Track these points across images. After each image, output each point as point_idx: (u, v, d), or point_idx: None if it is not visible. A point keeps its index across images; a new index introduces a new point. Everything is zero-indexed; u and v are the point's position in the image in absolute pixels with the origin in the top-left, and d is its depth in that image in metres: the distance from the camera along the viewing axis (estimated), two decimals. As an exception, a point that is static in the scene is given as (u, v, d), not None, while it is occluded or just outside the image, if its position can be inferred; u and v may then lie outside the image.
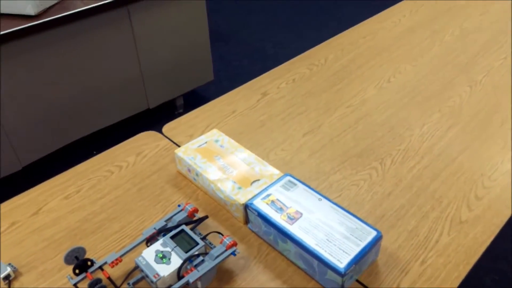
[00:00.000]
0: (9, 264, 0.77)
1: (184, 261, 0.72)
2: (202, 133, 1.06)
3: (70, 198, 0.91)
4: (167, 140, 1.04)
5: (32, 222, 0.86)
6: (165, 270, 0.71)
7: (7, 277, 0.75)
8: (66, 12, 1.66)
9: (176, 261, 0.72)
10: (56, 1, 1.72)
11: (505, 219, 0.84)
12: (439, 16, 1.53)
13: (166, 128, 1.08)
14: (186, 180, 0.94)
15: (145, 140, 1.04)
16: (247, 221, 0.84)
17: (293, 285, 0.74)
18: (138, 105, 2.08)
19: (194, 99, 2.41)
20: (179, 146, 1.02)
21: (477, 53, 1.32)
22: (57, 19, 1.64)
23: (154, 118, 2.31)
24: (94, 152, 2.12)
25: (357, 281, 0.74)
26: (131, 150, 1.02)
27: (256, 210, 0.78)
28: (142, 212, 0.87)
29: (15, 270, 0.77)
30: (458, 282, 0.74)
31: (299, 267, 0.76)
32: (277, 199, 0.80)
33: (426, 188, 0.90)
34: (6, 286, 0.75)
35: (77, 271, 0.72)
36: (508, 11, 1.53)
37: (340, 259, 0.69)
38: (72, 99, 1.84)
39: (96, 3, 1.72)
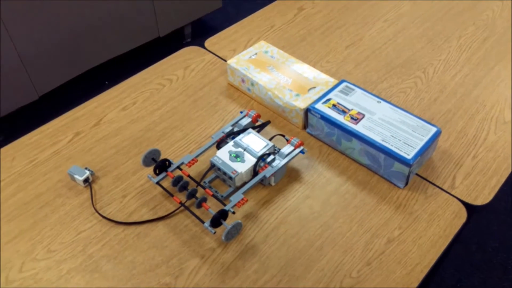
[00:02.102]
0: (86, 168, 0.80)
1: (259, 159, 0.76)
2: (245, 47, 1.07)
3: (127, 109, 0.93)
4: (211, 54, 1.05)
5: (96, 132, 0.88)
6: (242, 167, 0.76)
7: (86, 180, 0.78)
8: None
9: (249, 159, 0.77)
10: None
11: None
12: None
13: (208, 43, 1.08)
14: (238, 92, 0.96)
15: (189, 55, 1.05)
16: (305, 126, 0.88)
17: (358, 179, 0.80)
18: (149, 33, 2.04)
19: (202, 28, 2.37)
20: (224, 60, 1.04)
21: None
22: None
23: (163, 49, 2.28)
24: (106, 82, 2.10)
25: (417, 174, 0.81)
26: (177, 65, 1.02)
27: (318, 113, 0.82)
28: (202, 121, 0.90)
29: (92, 174, 0.80)
30: (508, 172, 0.80)
31: (361, 164, 0.82)
32: (338, 103, 0.83)
33: (470, 94, 0.95)
34: (87, 188, 0.79)
35: (157, 171, 0.76)
36: None
37: (407, 151, 0.75)
38: (84, 28, 1.79)
39: None
